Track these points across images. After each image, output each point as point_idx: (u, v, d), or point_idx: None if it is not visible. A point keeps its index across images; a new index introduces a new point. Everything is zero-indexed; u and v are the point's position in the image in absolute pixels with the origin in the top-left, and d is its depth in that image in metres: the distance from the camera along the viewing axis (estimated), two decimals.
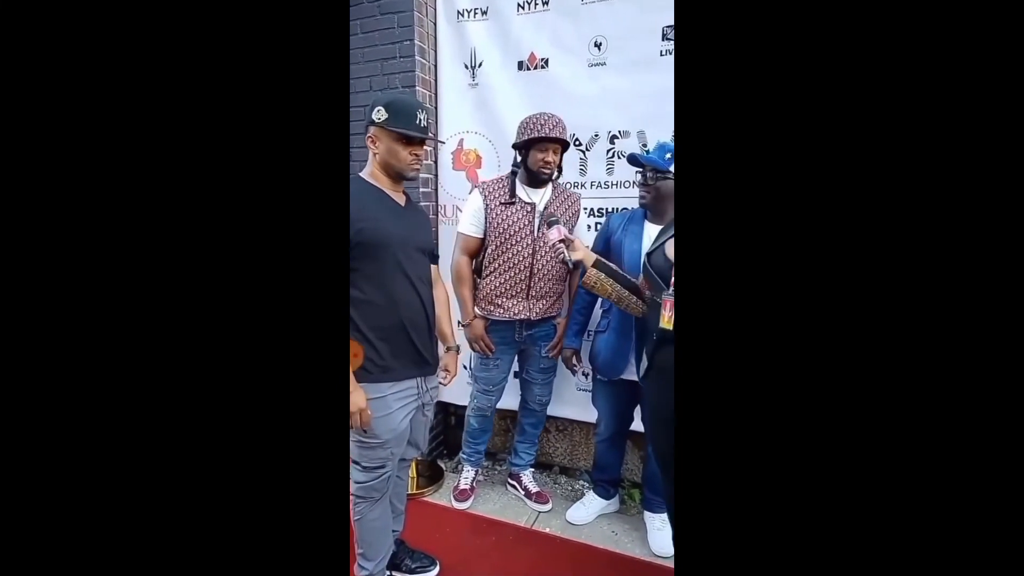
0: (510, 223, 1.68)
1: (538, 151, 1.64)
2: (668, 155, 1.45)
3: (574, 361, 1.80)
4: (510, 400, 2.05)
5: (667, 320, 1.15)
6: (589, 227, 1.97)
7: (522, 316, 1.73)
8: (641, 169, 1.53)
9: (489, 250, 1.72)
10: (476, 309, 1.78)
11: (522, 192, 1.71)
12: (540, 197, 1.72)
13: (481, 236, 1.73)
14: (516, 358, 1.89)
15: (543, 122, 1.62)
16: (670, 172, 1.45)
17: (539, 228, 1.69)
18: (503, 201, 1.69)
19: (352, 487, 1.30)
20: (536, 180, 1.70)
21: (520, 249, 1.69)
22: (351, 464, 1.29)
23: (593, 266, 1.39)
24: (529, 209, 1.69)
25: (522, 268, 1.70)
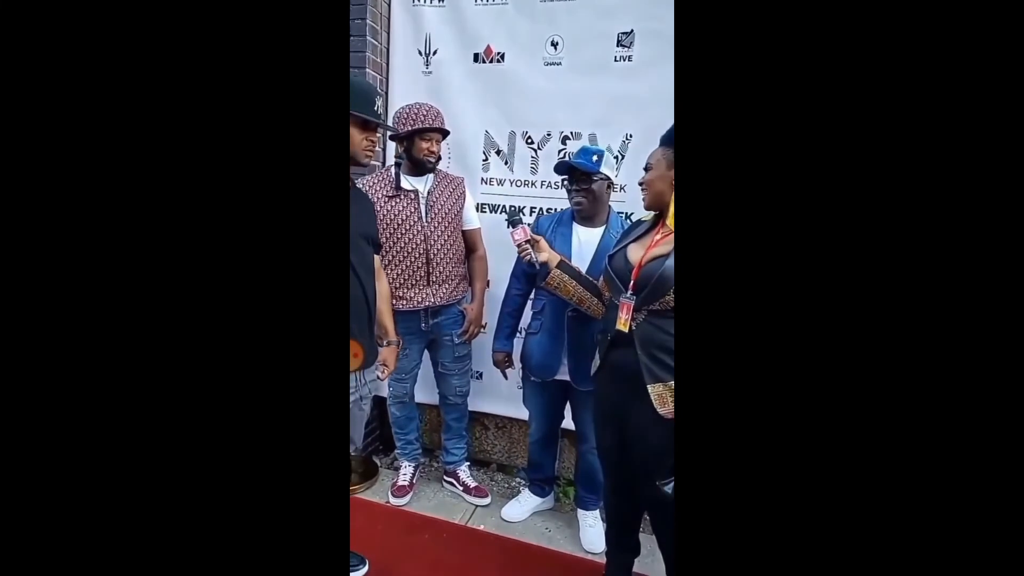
0: (396, 213, 1.70)
1: (422, 140, 1.68)
2: (595, 157, 1.47)
3: (506, 364, 1.78)
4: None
5: (623, 322, 1.17)
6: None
7: (426, 303, 1.74)
8: (568, 176, 1.54)
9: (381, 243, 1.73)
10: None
11: (405, 182, 1.73)
12: (424, 184, 1.74)
13: None
14: (427, 349, 1.88)
15: (424, 112, 1.66)
16: (600, 174, 1.48)
17: (427, 215, 1.72)
18: (387, 194, 1.71)
19: None
20: (421, 169, 1.73)
21: (412, 237, 1.71)
22: None
23: (557, 267, 1.38)
24: (413, 197, 1.72)
25: (417, 256, 1.72)
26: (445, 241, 1.74)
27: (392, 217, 1.70)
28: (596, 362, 1.30)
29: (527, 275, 1.68)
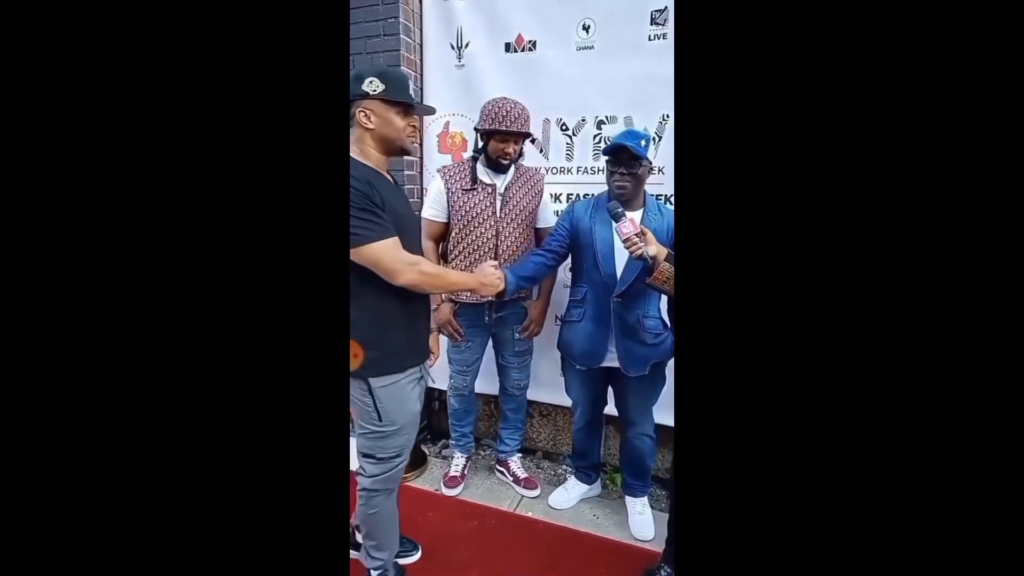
0: (471, 206, 1.69)
1: (498, 141, 1.62)
2: (643, 142, 1.41)
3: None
4: (494, 386, 2.05)
5: None
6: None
7: (490, 297, 1.72)
8: (613, 158, 1.47)
9: (453, 234, 1.73)
10: (444, 293, 1.77)
11: (483, 175, 1.70)
12: (502, 179, 1.71)
13: (445, 220, 1.73)
14: (490, 341, 1.89)
15: (506, 112, 1.59)
16: (647, 159, 1.43)
17: (501, 210, 1.68)
18: (464, 187, 1.69)
19: (367, 482, 1.27)
20: (496, 166, 1.69)
21: (483, 232, 1.69)
22: (365, 459, 1.26)
23: (665, 260, 1.29)
24: (490, 191, 1.69)
25: (487, 251, 1.70)
26: (516, 237, 1.72)
27: (468, 210, 1.68)
28: None
29: (558, 255, 1.62)
